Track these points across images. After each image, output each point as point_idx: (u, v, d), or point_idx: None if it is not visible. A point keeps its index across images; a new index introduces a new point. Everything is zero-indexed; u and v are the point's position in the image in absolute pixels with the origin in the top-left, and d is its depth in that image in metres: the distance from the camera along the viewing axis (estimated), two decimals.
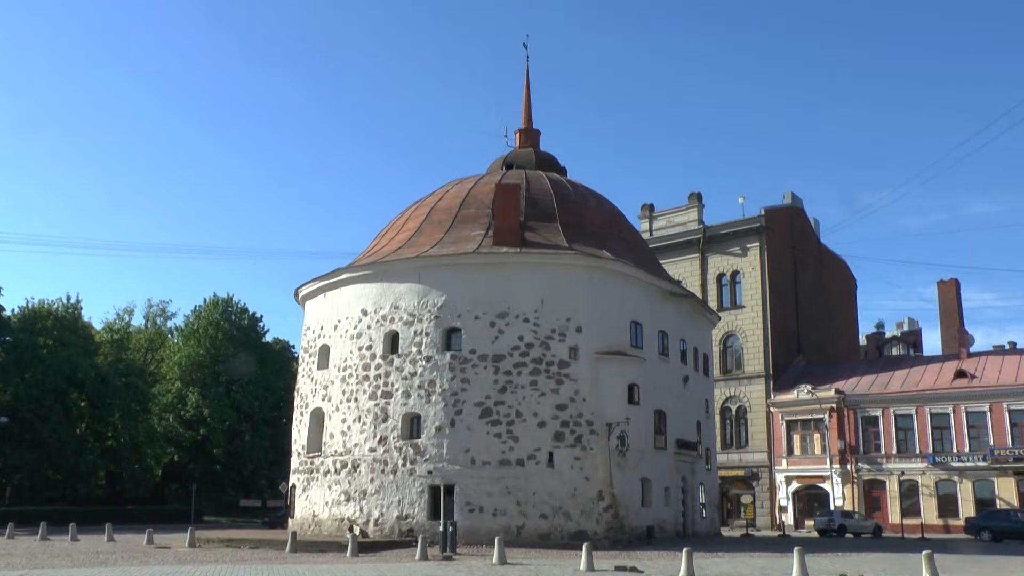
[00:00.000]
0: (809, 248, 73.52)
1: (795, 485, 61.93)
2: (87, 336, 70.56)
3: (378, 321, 39.10)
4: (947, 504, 56.52)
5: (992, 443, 55.72)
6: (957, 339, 67.79)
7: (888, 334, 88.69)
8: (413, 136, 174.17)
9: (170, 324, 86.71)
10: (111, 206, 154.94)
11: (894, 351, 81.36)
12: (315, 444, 40.70)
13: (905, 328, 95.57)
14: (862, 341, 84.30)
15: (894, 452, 58.77)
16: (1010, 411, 56.07)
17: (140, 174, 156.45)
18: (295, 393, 44.27)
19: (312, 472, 40.25)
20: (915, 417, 58.58)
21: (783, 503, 61.70)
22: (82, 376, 65.87)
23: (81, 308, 70.44)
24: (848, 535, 51.52)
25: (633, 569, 24.73)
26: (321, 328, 41.96)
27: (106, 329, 78.02)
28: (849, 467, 59.76)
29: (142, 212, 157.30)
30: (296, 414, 43.41)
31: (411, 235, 41.97)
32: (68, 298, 70.03)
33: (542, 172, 45.57)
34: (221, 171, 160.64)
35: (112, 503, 67.58)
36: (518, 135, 50.76)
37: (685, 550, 23.03)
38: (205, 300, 79.65)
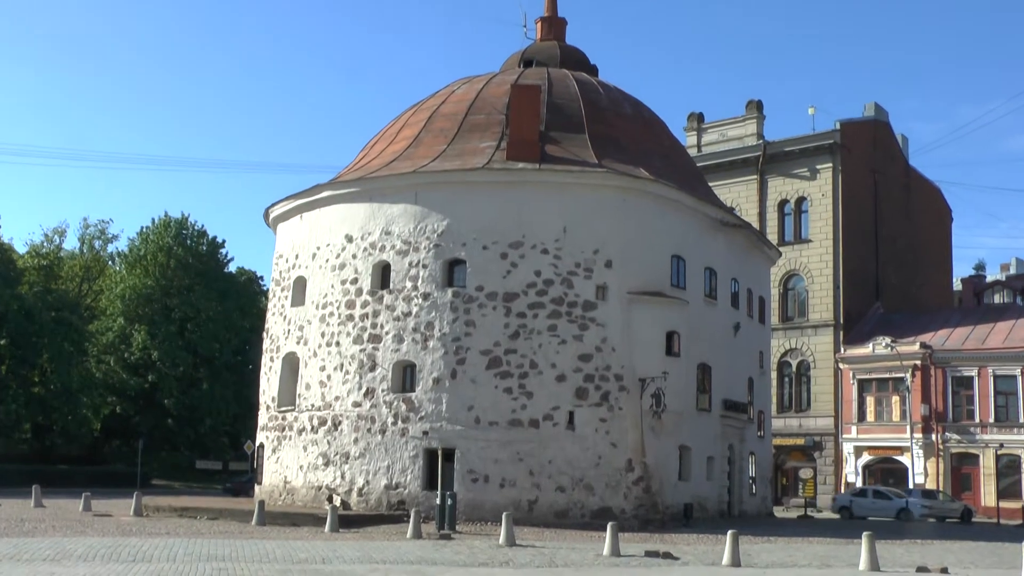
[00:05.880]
0: (894, 172, 73.16)
1: (866, 457, 62.52)
2: (8, 261, 70.89)
3: (365, 249, 39.36)
4: None
5: None
6: None
7: (989, 278, 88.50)
8: (411, 25, 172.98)
9: (111, 248, 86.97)
10: (36, 105, 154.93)
11: (996, 298, 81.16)
12: (288, 396, 41.26)
13: (1012, 271, 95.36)
14: (956, 286, 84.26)
15: (991, 420, 59.09)
16: None
17: (72, 64, 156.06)
18: (264, 334, 44.81)
19: (284, 430, 40.88)
20: (1020, 379, 58.69)
21: (851, 479, 62.34)
22: (2, 309, 66.40)
23: (0, 228, 70.80)
24: (930, 519, 52.10)
25: (667, 555, 25.20)
26: (296, 256, 42.28)
27: (31, 254, 78.39)
28: (934, 437, 60.22)
29: (75, 112, 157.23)
30: (265, 359, 43.99)
31: (407, 146, 42.03)
32: None
33: (568, 72, 45.42)
34: (174, 64, 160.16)
35: (40, 461, 68.42)
36: (539, 25, 50.44)
37: (730, 533, 23.46)
38: (154, 220, 79.79)
